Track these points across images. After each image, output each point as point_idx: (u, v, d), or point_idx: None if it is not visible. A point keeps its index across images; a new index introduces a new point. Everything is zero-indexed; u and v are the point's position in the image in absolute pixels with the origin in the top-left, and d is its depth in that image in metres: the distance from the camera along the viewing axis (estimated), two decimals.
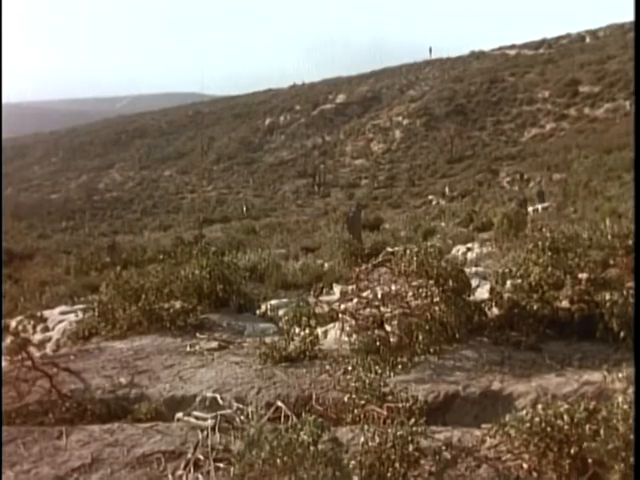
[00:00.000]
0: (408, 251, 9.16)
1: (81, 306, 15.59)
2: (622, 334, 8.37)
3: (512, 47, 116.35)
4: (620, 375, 6.57)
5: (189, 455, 6.11)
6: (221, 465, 5.85)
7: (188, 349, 10.02)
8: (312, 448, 5.24)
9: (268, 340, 9.57)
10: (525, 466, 5.65)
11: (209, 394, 7.74)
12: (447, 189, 64.52)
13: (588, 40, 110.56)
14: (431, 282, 8.84)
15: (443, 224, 40.48)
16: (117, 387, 8.52)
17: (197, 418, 6.89)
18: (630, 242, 9.89)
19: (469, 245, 25.43)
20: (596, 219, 21.41)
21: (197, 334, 10.79)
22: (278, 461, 5.19)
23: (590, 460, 5.37)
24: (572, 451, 5.42)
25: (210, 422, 6.61)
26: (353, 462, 5.43)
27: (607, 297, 8.75)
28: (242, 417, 6.73)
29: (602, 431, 5.48)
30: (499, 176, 67.35)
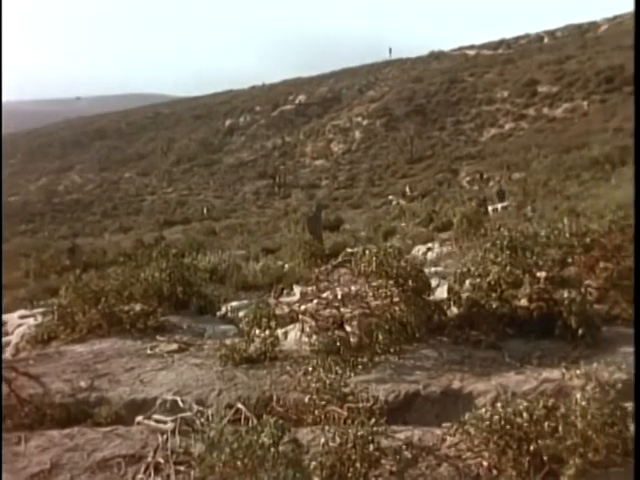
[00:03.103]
0: (367, 251, 9.19)
1: (41, 310, 15.46)
2: (580, 331, 8.45)
3: (471, 47, 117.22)
4: (578, 372, 6.62)
5: (149, 459, 6.08)
6: (181, 468, 5.84)
7: (148, 352, 9.97)
8: (273, 450, 5.23)
9: (229, 342, 9.54)
10: (485, 464, 5.69)
11: (169, 397, 7.72)
12: (407, 189, 64.72)
13: (546, 40, 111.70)
14: (391, 282, 8.88)
15: (403, 224, 40.60)
16: (77, 391, 8.44)
17: (157, 421, 6.86)
18: (587, 240, 10.01)
19: (429, 245, 25.50)
20: (555, 218, 21.61)
21: (157, 336, 10.74)
22: (239, 463, 5.18)
23: (546, 457, 5.42)
24: (531, 448, 5.46)
25: (170, 425, 6.59)
26: (314, 463, 5.43)
27: (565, 295, 8.83)
28: (202, 419, 6.71)
29: (561, 428, 5.53)
30: (459, 176, 67.75)
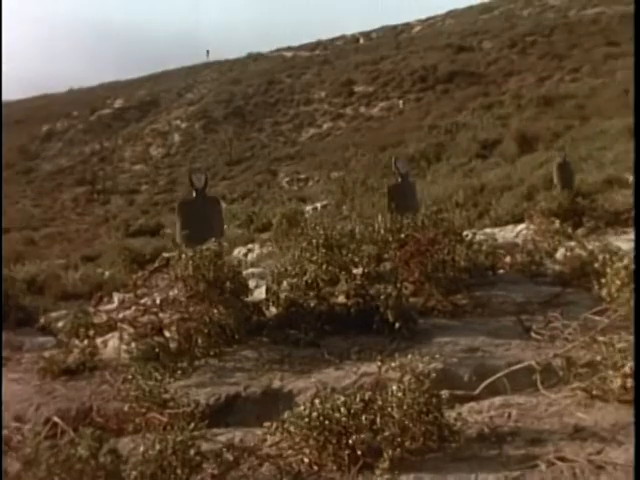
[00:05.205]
0: (184, 255, 9.17)
1: None
2: (397, 325, 8.66)
3: (289, 49, 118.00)
4: (394, 364, 6.78)
5: None
6: None
7: None
8: (91, 462, 5.16)
9: (47, 354, 9.34)
10: (306, 460, 5.75)
11: None
12: (227, 191, 64.73)
13: (362, 41, 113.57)
14: (208, 285, 8.88)
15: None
16: None
17: None
18: (402, 235, 10.27)
19: (250, 246, 25.65)
20: (373, 215, 22.06)
21: None
22: (56, 479, 5.08)
23: (361, 450, 5.53)
24: (350, 441, 5.56)
25: None
26: (134, 472, 5.36)
27: (382, 290, 9.03)
28: (19, 437, 6.54)
29: (378, 419, 5.67)
30: (278, 176, 68.12)
